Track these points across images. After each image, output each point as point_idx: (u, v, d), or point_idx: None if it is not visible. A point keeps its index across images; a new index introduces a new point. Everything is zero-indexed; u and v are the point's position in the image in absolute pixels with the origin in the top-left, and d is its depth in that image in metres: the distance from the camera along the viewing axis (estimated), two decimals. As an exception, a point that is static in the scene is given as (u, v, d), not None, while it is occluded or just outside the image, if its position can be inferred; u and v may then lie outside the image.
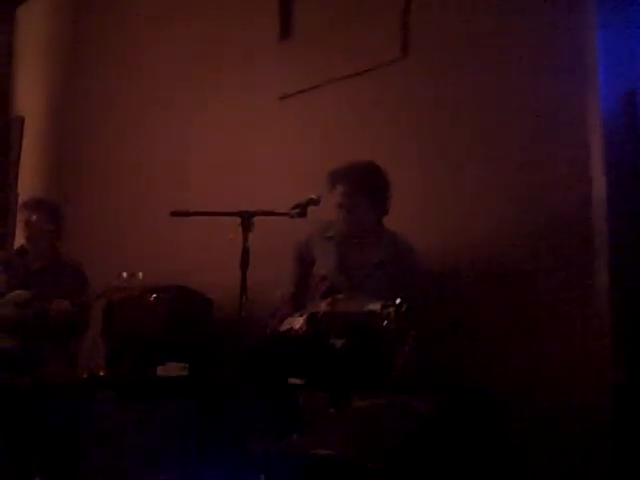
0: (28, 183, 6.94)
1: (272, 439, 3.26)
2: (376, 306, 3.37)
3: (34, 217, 4.70)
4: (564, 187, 3.66)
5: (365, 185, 3.87)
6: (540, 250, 3.71)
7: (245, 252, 3.36)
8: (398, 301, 3.26)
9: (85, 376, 4.31)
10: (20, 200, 6.10)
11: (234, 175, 5.18)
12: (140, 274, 4.40)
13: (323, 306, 3.72)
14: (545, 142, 3.74)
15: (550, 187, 3.72)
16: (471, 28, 4.09)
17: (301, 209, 3.60)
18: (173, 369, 4.31)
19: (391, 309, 3.28)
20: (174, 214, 3.52)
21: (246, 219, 3.40)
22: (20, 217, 4.84)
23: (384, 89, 4.46)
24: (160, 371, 4.33)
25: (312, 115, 4.83)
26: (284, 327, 3.80)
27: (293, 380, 3.56)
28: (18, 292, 4.51)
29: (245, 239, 3.38)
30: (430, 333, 3.78)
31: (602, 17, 3.63)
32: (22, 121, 7.17)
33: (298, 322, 3.75)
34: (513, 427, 3.43)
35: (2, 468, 4.07)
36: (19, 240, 4.99)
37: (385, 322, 3.30)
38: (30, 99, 7.19)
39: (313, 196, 3.69)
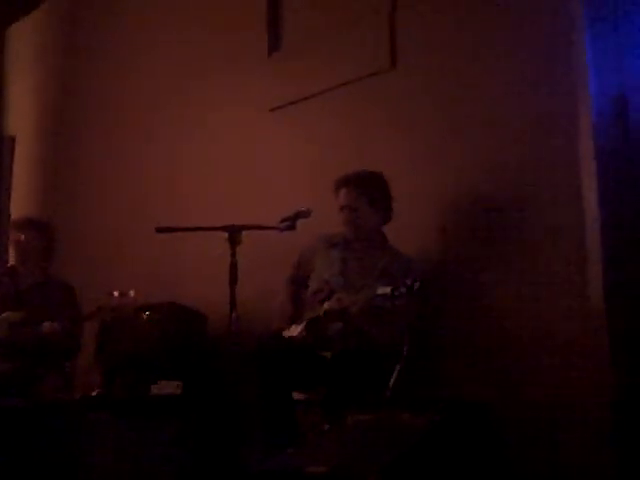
0: (20, 202, 6.89)
1: (267, 454, 3.22)
2: (386, 290, 3.31)
3: (23, 236, 4.66)
4: (554, 191, 3.62)
5: (368, 189, 3.87)
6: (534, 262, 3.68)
7: (233, 267, 3.32)
8: (409, 282, 3.23)
9: (78, 396, 4.25)
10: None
11: (225, 188, 5.14)
12: (132, 292, 4.35)
13: (326, 305, 3.68)
14: (534, 145, 3.71)
15: (539, 191, 3.68)
16: (458, 37, 4.06)
17: (290, 222, 3.57)
18: (167, 387, 4.26)
19: (403, 289, 3.25)
20: (159, 230, 3.48)
21: (233, 233, 3.36)
22: (10, 237, 4.80)
23: (374, 99, 4.42)
24: (154, 390, 4.29)
25: (303, 127, 4.80)
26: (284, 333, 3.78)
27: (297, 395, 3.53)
28: (10, 313, 4.45)
29: (233, 254, 3.34)
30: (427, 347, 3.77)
31: (591, 19, 3.59)
32: (13, 140, 7.14)
33: (296, 329, 3.71)
34: (513, 441, 3.37)
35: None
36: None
37: (397, 302, 3.29)
38: (21, 118, 7.16)
39: (303, 208, 3.67)
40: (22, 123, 7.13)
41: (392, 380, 3.10)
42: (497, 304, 3.77)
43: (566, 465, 3.41)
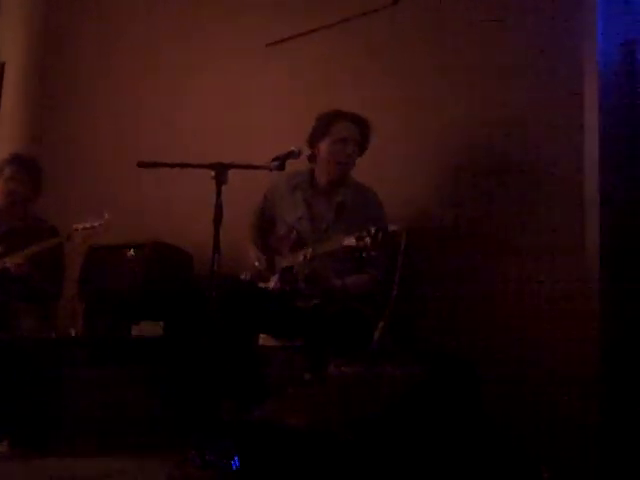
0: (6, 134, 6.72)
1: (245, 404, 3.13)
2: (350, 240, 3.25)
3: (9, 173, 4.50)
4: (557, 137, 3.53)
5: (363, 129, 3.80)
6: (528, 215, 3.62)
7: (218, 207, 3.18)
8: (373, 230, 3.16)
9: (54, 336, 4.14)
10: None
11: (217, 124, 4.99)
12: (106, 214, 4.24)
13: (291, 260, 3.61)
14: (537, 96, 3.61)
15: (543, 137, 3.59)
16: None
17: (280, 162, 3.43)
18: (148, 328, 4.15)
19: (367, 239, 3.18)
20: (141, 165, 3.32)
21: (220, 172, 3.21)
22: None
23: (374, 36, 4.28)
24: (135, 330, 4.18)
25: (299, 63, 4.64)
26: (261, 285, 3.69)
27: (268, 340, 3.47)
28: None
29: (218, 193, 3.19)
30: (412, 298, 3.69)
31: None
32: (2, 66, 6.92)
33: (272, 280, 3.62)
34: (494, 398, 3.28)
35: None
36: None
37: (364, 253, 3.23)
38: (11, 44, 6.94)
39: (293, 148, 3.54)
40: (12, 50, 6.91)
41: (376, 334, 3.01)
42: (486, 264, 3.73)
43: (550, 434, 3.36)
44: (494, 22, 3.79)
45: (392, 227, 3.68)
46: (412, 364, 2.76)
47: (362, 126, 3.80)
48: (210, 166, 3.24)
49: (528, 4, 3.68)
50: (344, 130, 3.78)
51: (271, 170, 3.42)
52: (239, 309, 3.38)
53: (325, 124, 3.81)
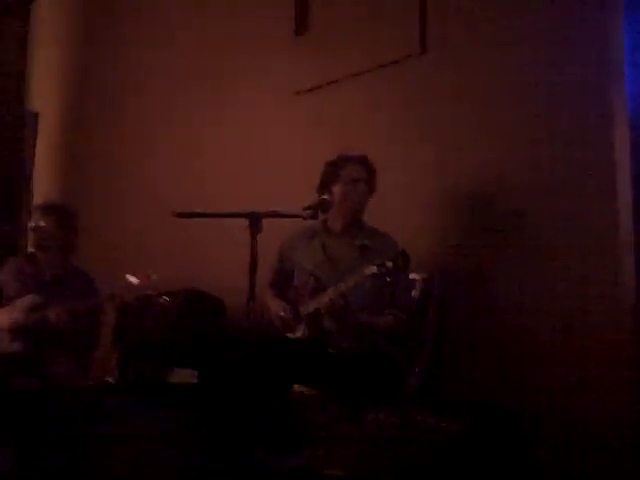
0: (41, 183, 6.83)
1: (280, 453, 3.13)
2: (372, 268, 3.33)
3: (43, 222, 4.52)
4: (587, 191, 3.50)
5: (369, 168, 3.88)
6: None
7: (253, 255, 3.20)
8: (393, 256, 3.26)
9: (92, 382, 4.17)
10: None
11: (247, 173, 5.04)
12: (154, 275, 4.28)
13: (316, 303, 3.62)
14: (568, 141, 3.58)
15: (574, 190, 3.56)
16: (491, 23, 3.93)
17: (313, 210, 3.47)
18: (182, 375, 4.18)
19: (389, 263, 3.26)
20: (179, 215, 3.36)
21: (255, 221, 3.24)
22: (31, 222, 4.63)
23: (402, 85, 4.31)
24: (169, 377, 4.20)
25: (328, 111, 4.68)
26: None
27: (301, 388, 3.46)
28: (28, 297, 4.38)
29: (253, 242, 3.22)
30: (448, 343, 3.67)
31: (628, 9, 3.48)
32: (36, 116, 7.05)
33: (299, 330, 3.63)
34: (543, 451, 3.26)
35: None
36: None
37: (388, 278, 3.33)
38: (44, 95, 7.08)
39: (326, 196, 3.58)
40: (45, 100, 7.05)
41: (412, 379, 3.01)
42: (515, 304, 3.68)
43: (595, 468, 3.28)
44: (520, 72, 3.81)
45: (424, 275, 3.72)
46: (451, 413, 2.75)
47: (368, 167, 3.88)
48: (244, 215, 3.28)
49: (557, 56, 3.68)
50: (354, 172, 3.84)
51: (304, 219, 3.46)
52: (272, 365, 3.36)
53: (335, 169, 3.87)
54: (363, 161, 3.87)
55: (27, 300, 4.37)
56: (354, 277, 3.47)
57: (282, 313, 3.78)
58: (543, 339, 3.54)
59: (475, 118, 3.95)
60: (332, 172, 3.88)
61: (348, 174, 3.83)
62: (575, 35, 3.59)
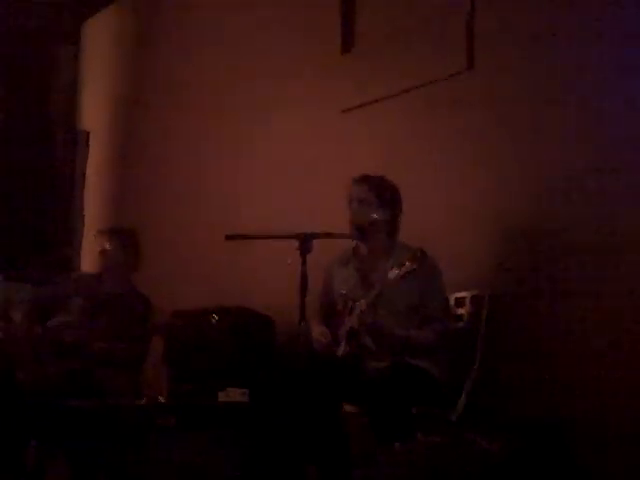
0: (92, 201, 6.93)
1: (332, 472, 3.14)
2: (393, 272, 3.36)
3: (108, 245, 4.68)
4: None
5: (376, 184, 3.78)
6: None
7: (304, 277, 3.22)
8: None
9: (144, 402, 4.22)
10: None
11: (295, 191, 5.07)
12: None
13: (350, 321, 3.57)
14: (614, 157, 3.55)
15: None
16: (537, 40, 3.91)
17: (362, 230, 3.47)
18: (234, 395, 4.20)
19: (407, 263, 3.33)
20: (229, 238, 3.40)
21: (304, 242, 3.27)
22: (96, 245, 4.81)
23: (449, 101, 4.30)
24: (221, 397, 4.23)
25: (375, 128, 4.69)
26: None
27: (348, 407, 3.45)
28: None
29: (303, 263, 3.24)
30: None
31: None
32: (87, 135, 7.17)
33: (340, 349, 3.62)
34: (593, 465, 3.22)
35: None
36: (84, 261, 4.93)
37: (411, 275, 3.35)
38: (95, 114, 7.19)
39: (375, 215, 3.57)
40: (97, 119, 7.15)
41: (461, 400, 3.00)
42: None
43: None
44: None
45: (474, 292, 3.70)
46: (501, 433, 2.75)
47: (375, 186, 3.78)
48: (294, 236, 3.31)
49: (593, 75, 3.67)
50: (354, 192, 3.78)
51: (353, 239, 3.47)
52: (319, 382, 3.35)
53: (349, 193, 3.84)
54: (367, 180, 3.80)
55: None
56: (378, 285, 3.47)
57: (321, 338, 3.75)
58: (592, 353, 3.51)
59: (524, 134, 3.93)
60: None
61: (350, 195, 3.80)
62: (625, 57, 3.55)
